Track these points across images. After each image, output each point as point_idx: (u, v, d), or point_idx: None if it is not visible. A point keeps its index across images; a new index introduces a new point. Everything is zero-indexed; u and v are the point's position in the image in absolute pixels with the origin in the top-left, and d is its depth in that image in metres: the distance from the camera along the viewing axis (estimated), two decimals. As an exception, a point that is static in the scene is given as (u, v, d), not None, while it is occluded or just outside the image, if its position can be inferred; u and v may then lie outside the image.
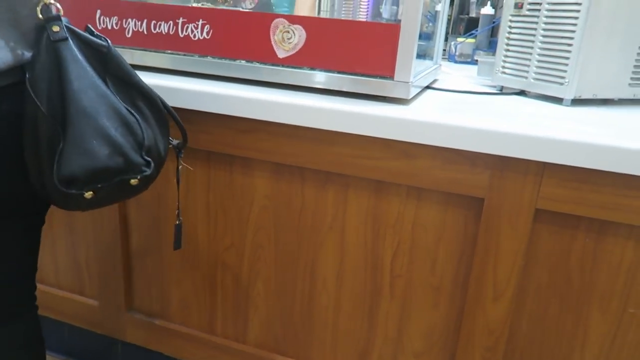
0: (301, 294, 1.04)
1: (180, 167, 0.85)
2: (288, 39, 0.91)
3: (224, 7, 1.19)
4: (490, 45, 1.74)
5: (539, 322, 0.88)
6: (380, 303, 0.98)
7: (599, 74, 0.97)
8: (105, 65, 0.69)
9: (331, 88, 0.90)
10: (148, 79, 0.94)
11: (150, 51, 1.01)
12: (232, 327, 1.12)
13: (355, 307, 1.00)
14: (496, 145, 0.77)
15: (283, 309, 1.06)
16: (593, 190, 0.77)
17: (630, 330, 0.83)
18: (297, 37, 0.90)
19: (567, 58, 0.95)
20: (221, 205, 1.03)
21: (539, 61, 1.02)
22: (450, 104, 0.92)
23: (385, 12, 1.31)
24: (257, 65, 0.94)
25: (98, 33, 0.70)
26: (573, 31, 0.94)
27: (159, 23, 0.99)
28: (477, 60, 1.46)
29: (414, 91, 0.89)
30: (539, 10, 1.00)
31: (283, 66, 0.93)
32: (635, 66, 0.99)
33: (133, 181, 0.69)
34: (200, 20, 0.96)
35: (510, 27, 1.08)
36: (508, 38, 1.08)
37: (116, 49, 0.71)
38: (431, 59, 1.22)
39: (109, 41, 0.70)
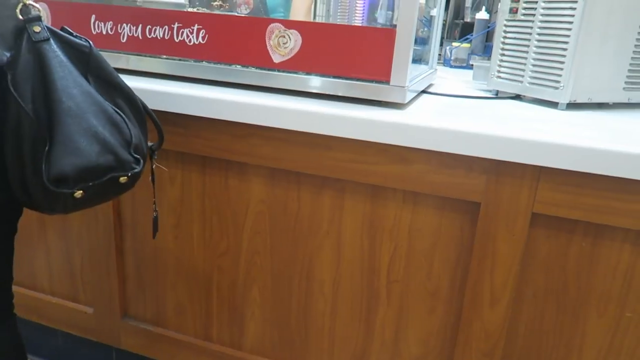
0: (297, 300, 1.03)
1: (154, 166, 0.85)
2: (284, 44, 0.91)
3: (220, 12, 1.19)
4: (485, 50, 1.74)
5: (536, 327, 0.88)
6: (376, 308, 0.98)
7: (594, 78, 0.98)
8: (87, 66, 0.69)
9: (327, 93, 0.90)
10: (143, 84, 0.94)
11: (146, 56, 1.01)
12: (228, 334, 1.12)
13: (351, 312, 1.00)
14: (492, 149, 0.77)
15: (279, 314, 1.05)
16: (589, 194, 0.77)
17: (627, 334, 0.83)
18: (293, 41, 0.90)
19: (562, 62, 0.96)
20: (216, 211, 1.03)
21: (534, 65, 1.02)
22: (446, 108, 0.92)
23: (381, 17, 1.31)
24: (253, 70, 0.94)
25: (77, 34, 0.70)
26: (568, 36, 0.94)
27: (154, 28, 0.98)
28: (472, 65, 1.47)
29: (409, 95, 0.89)
30: (533, 15, 1.01)
31: (279, 71, 0.92)
32: (629, 70, 1.00)
33: (122, 179, 0.69)
34: (196, 25, 0.95)
35: (505, 31, 1.08)
36: (503, 43, 1.09)
37: (98, 49, 0.71)
38: (427, 63, 1.22)
39: (90, 42, 0.70)
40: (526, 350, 0.90)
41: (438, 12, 1.20)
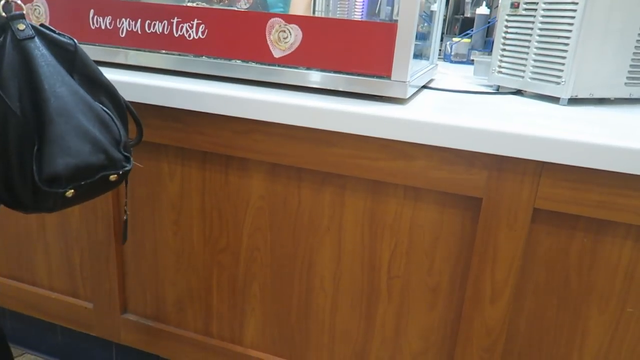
0: (298, 295, 1.03)
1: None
2: (284, 39, 0.90)
3: (219, 7, 1.18)
4: (486, 45, 1.74)
5: (537, 322, 0.88)
6: (377, 304, 0.97)
7: (596, 74, 0.97)
8: (72, 64, 0.68)
9: (328, 88, 0.90)
10: (142, 79, 0.93)
11: (145, 51, 1.00)
12: (228, 329, 1.12)
13: (352, 308, 1.00)
14: (494, 144, 0.77)
15: (279, 310, 1.05)
16: (591, 189, 0.76)
17: (628, 330, 0.83)
18: (294, 36, 0.89)
19: (564, 57, 0.95)
20: (217, 206, 1.02)
21: (535, 60, 1.02)
22: (447, 104, 0.91)
23: (381, 12, 1.31)
24: (253, 65, 0.93)
25: (60, 32, 0.69)
26: (569, 30, 0.94)
27: (153, 23, 0.98)
28: (472, 60, 1.46)
29: (411, 91, 0.88)
30: (535, 9, 1.00)
31: (279, 66, 0.92)
32: (631, 65, 0.99)
33: (113, 177, 0.69)
34: (195, 20, 0.95)
35: (506, 26, 1.07)
36: (504, 38, 1.08)
37: (81, 47, 0.70)
38: (427, 58, 1.22)
39: (75, 40, 0.69)
40: (527, 346, 0.90)
41: (438, 7, 1.20)
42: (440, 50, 1.71)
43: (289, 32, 0.89)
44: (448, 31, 1.93)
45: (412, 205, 0.89)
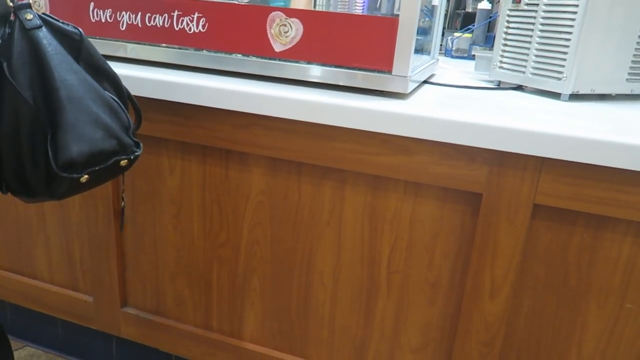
0: (297, 290, 1.03)
1: None
2: (285, 33, 0.90)
3: (220, 0, 1.18)
4: (487, 40, 1.73)
5: (536, 318, 0.88)
6: (377, 299, 0.98)
7: (597, 69, 0.97)
8: (78, 53, 0.69)
9: (328, 82, 0.90)
10: (143, 72, 0.93)
11: (145, 44, 1.00)
12: (228, 323, 1.12)
13: (352, 302, 1.00)
14: (494, 140, 0.77)
15: (279, 304, 1.06)
16: (591, 185, 0.76)
17: (627, 325, 0.83)
18: (294, 30, 0.89)
19: (565, 53, 0.95)
20: (217, 201, 1.02)
21: (536, 56, 1.01)
22: (448, 99, 0.91)
23: (382, 6, 1.30)
24: (254, 59, 0.93)
25: (64, 21, 0.69)
26: (571, 26, 0.94)
27: (153, 16, 0.97)
28: (473, 55, 1.46)
29: (412, 86, 0.88)
30: (537, 5, 1.00)
31: (280, 60, 0.92)
32: (633, 61, 0.99)
33: (123, 162, 0.71)
34: (196, 13, 0.94)
35: (508, 22, 1.07)
36: (506, 33, 1.08)
37: (87, 37, 0.71)
38: (428, 53, 1.21)
39: (80, 29, 0.70)
40: (526, 341, 0.90)
41: (440, 2, 1.19)
42: (441, 45, 1.71)
43: (290, 26, 0.89)
44: (449, 26, 1.93)
45: (413, 201, 0.89)
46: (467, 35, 1.74)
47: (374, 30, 0.84)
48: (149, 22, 0.98)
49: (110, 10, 1.00)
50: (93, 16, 1.01)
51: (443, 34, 1.67)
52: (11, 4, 0.64)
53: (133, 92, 0.88)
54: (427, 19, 1.22)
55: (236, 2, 1.07)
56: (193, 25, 0.95)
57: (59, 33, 0.67)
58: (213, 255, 1.07)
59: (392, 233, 0.92)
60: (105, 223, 1.12)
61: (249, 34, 0.92)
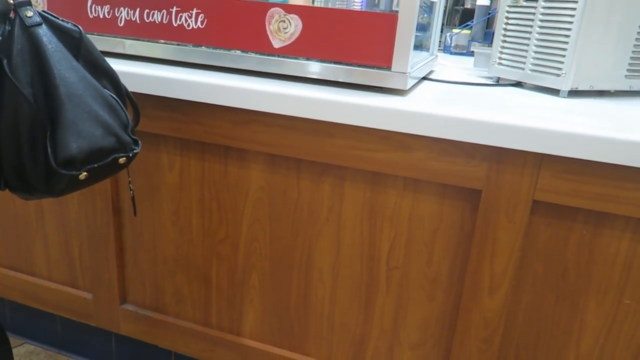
0: (297, 287, 1.03)
1: None
2: (284, 29, 0.90)
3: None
4: (486, 37, 1.73)
5: (535, 314, 0.88)
6: (376, 295, 0.98)
7: (596, 66, 0.97)
8: (78, 50, 0.70)
9: (327, 78, 0.89)
10: (141, 69, 0.93)
11: (143, 41, 1.00)
12: (227, 320, 1.12)
13: (351, 299, 1.00)
14: (494, 136, 0.77)
15: (278, 301, 1.06)
16: (590, 181, 0.76)
17: (625, 321, 0.83)
18: (294, 26, 0.89)
19: (564, 49, 0.95)
20: (216, 197, 1.02)
21: (535, 52, 1.01)
22: (447, 95, 0.91)
23: (381, 2, 1.30)
24: (253, 55, 0.93)
25: (63, 19, 0.70)
26: (570, 22, 0.93)
27: (152, 12, 0.97)
28: (472, 52, 1.46)
29: (411, 82, 0.88)
30: (536, 1, 1.00)
31: (279, 56, 0.91)
32: (631, 58, 0.99)
33: (122, 160, 0.71)
34: (195, 9, 0.94)
35: (507, 18, 1.07)
36: (505, 29, 1.08)
37: (86, 34, 0.71)
38: (427, 50, 1.21)
39: (80, 26, 0.70)
40: (525, 338, 0.90)
41: (439, -2, 1.19)
42: (440, 41, 1.70)
43: (289, 22, 0.89)
44: (448, 22, 1.92)
45: (412, 197, 0.89)
46: (466, 31, 1.74)
47: (374, 26, 0.84)
48: (147, 18, 0.98)
49: (108, 6, 1.00)
50: (91, 12, 1.01)
51: (442, 30, 1.67)
52: (12, 1, 0.64)
53: (131, 89, 0.88)
54: (426, 15, 1.21)
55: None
56: (192, 21, 0.95)
57: (58, 30, 0.68)
58: (212, 252, 1.07)
59: (391, 229, 0.92)
60: (104, 220, 1.12)
61: (248, 30, 0.92)
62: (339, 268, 0.98)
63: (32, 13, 0.65)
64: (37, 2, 1.03)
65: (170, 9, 0.95)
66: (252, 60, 0.93)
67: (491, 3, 1.71)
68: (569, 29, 0.94)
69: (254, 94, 0.87)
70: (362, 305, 1.00)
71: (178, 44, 0.97)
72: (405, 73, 0.84)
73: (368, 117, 0.82)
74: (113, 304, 1.19)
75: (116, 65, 0.94)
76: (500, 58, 1.10)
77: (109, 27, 1.01)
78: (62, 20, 0.69)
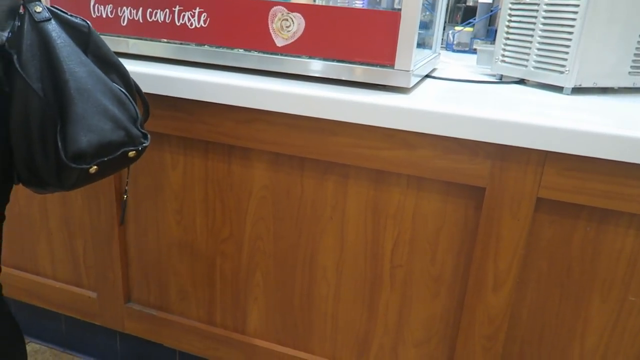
0: (300, 285, 1.03)
1: None
2: (287, 27, 0.90)
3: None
4: (488, 34, 1.73)
5: (539, 311, 0.89)
6: (380, 293, 0.98)
7: (600, 63, 0.97)
8: (86, 45, 0.70)
9: (331, 77, 0.89)
10: (144, 68, 0.93)
11: (146, 40, 1.00)
12: (232, 318, 1.12)
13: (355, 297, 1.00)
14: (497, 134, 0.77)
15: (282, 299, 1.06)
16: (594, 178, 0.76)
17: (630, 318, 0.83)
18: (296, 25, 0.89)
19: (568, 47, 0.95)
20: (220, 196, 1.02)
21: (539, 49, 1.01)
22: (450, 93, 0.91)
23: (383, 0, 1.30)
24: (255, 54, 0.93)
25: (72, 14, 0.70)
26: (574, 19, 0.93)
27: (154, 11, 0.97)
28: (475, 49, 1.46)
29: (414, 80, 0.88)
30: (539, -2, 1.00)
31: (282, 55, 0.91)
32: (635, 54, 0.99)
33: (131, 153, 0.72)
34: (197, 8, 0.94)
35: (510, 15, 1.07)
36: (508, 27, 1.07)
37: (95, 29, 0.71)
38: (430, 48, 1.21)
39: (88, 22, 0.70)
40: (529, 335, 0.90)
41: (442, -5, 1.19)
42: (442, 39, 1.70)
43: (292, 20, 0.89)
44: (450, 20, 1.92)
45: (415, 195, 0.89)
46: (468, 29, 1.74)
47: (376, 24, 0.84)
48: (150, 18, 0.98)
49: (111, 5, 1.00)
50: (94, 12, 1.01)
51: (444, 28, 1.67)
52: None
53: (135, 88, 0.88)
54: (428, 12, 1.21)
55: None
56: (194, 20, 0.95)
57: (67, 25, 0.68)
58: (216, 251, 1.07)
59: (395, 227, 0.92)
60: (108, 219, 1.12)
61: (251, 29, 0.92)
62: (342, 266, 0.99)
63: (41, 8, 0.65)
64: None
65: (173, 8, 0.95)
66: (254, 59, 0.93)
67: (493, 1, 1.71)
68: (572, 26, 0.94)
69: (257, 92, 0.87)
70: (366, 303, 1.00)
71: (181, 43, 0.98)
72: (408, 71, 0.84)
73: (371, 115, 0.82)
74: (117, 302, 1.20)
75: (119, 64, 0.94)
76: (503, 55, 1.09)
77: (111, 26, 1.01)
78: (71, 15, 0.69)
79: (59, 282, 1.27)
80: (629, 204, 0.76)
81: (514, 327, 0.91)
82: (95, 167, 0.67)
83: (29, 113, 0.64)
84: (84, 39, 0.69)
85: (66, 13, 0.69)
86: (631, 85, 1.02)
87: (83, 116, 0.65)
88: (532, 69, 1.03)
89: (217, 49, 0.95)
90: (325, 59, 0.89)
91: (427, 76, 1.08)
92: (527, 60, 1.04)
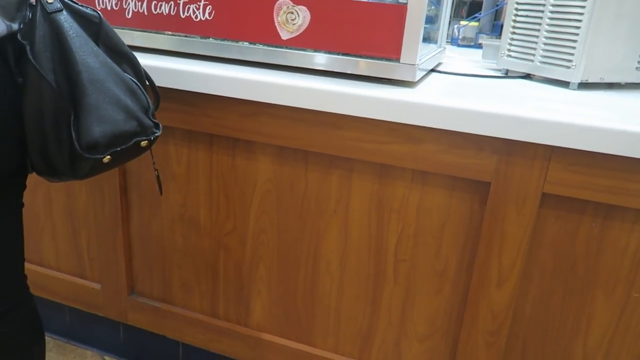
0: (304, 278, 1.03)
1: None
2: (292, 20, 0.89)
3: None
4: (494, 29, 1.72)
5: (543, 307, 0.88)
6: (383, 287, 0.98)
7: (607, 58, 0.96)
8: (98, 35, 0.70)
9: (336, 70, 0.89)
10: (149, 60, 0.93)
11: (151, 32, 1.00)
12: (235, 311, 1.12)
13: (358, 291, 1.00)
14: (503, 128, 0.76)
15: (286, 293, 1.06)
16: (601, 174, 0.76)
17: (634, 315, 0.83)
18: (302, 18, 0.88)
19: (575, 41, 0.94)
20: (224, 189, 1.02)
21: (545, 44, 1.00)
22: (455, 87, 0.91)
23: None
24: (260, 47, 0.93)
25: (83, 4, 0.70)
26: (581, 13, 0.93)
27: (159, 3, 0.97)
28: (480, 44, 1.45)
29: (420, 74, 0.87)
30: (546, -8, 0.99)
31: (287, 48, 0.91)
32: (643, 50, 0.98)
33: (144, 143, 0.73)
34: (202, 0, 0.94)
35: (516, 9, 1.06)
36: (514, 21, 1.07)
37: (106, 20, 0.71)
38: (435, 42, 1.20)
39: (99, 12, 0.70)
40: (532, 330, 0.90)
41: (448, -11, 1.18)
42: (447, 33, 1.69)
43: (297, 13, 0.88)
44: (455, 14, 1.91)
45: (420, 189, 0.89)
46: (474, 23, 1.73)
47: (382, 17, 0.84)
48: (155, 10, 0.97)
49: (116, -3, 0.99)
50: (99, 4, 1.01)
51: (449, 23, 1.66)
52: None
53: (140, 80, 0.88)
54: (434, 7, 1.20)
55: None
56: (199, 12, 0.95)
57: (78, 16, 0.68)
58: (220, 244, 1.07)
59: (399, 222, 0.92)
60: (112, 211, 1.13)
61: (256, 21, 0.91)
62: (346, 260, 0.99)
63: None
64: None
65: (178, 1, 0.95)
66: (259, 52, 0.93)
67: (499, -5, 1.70)
68: (579, 20, 0.93)
69: (262, 85, 0.86)
70: (369, 298, 1.00)
71: (185, 36, 0.97)
72: (414, 65, 0.84)
73: (376, 108, 0.81)
74: (121, 294, 1.20)
75: (124, 56, 0.94)
76: (509, 50, 1.09)
77: (116, 18, 1.01)
78: (81, 6, 0.69)
79: (63, 274, 1.27)
80: (635, 200, 0.76)
81: (517, 322, 0.91)
82: (109, 157, 0.68)
83: (42, 104, 0.64)
84: (95, 29, 0.70)
85: (77, 3, 0.69)
86: (638, 81, 1.02)
87: (96, 107, 0.65)
88: (539, 64, 1.02)
89: (222, 42, 0.95)
90: (330, 52, 0.89)
91: (433, 70, 1.08)
92: (533, 55, 1.03)
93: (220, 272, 1.10)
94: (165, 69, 0.91)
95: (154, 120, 0.74)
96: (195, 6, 0.95)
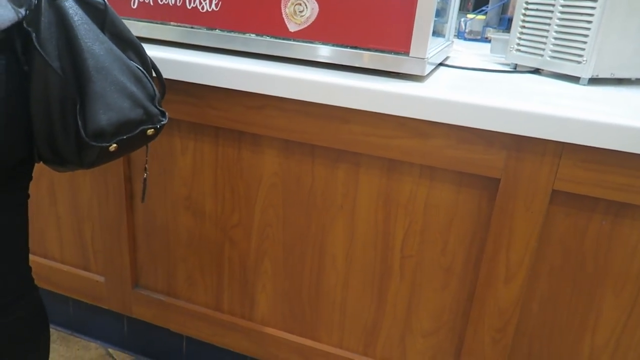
0: (309, 273, 1.03)
1: None
2: (300, 12, 0.88)
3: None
4: (501, 23, 1.71)
5: (550, 305, 0.88)
6: (389, 283, 0.97)
7: (618, 53, 0.95)
8: (103, 22, 0.69)
9: (344, 63, 0.88)
10: (154, 52, 0.92)
11: (157, 23, 0.98)
12: (239, 305, 1.12)
13: (364, 286, 1.00)
14: (513, 124, 0.75)
15: (291, 287, 1.06)
16: (612, 171, 0.75)
17: (643, 314, 0.83)
18: (310, 10, 0.87)
19: (586, 36, 0.93)
20: (229, 182, 1.02)
21: (556, 39, 0.99)
22: (464, 82, 0.90)
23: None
24: (268, 39, 0.92)
25: None
26: (593, 7, 0.91)
27: (165, -6, 0.96)
28: (487, 38, 1.44)
29: (429, 68, 0.86)
30: (558, -15, 0.97)
31: (294, 40, 0.90)
32: (654, 45, 0.97)
33: (150, 131, 0.72)
34: (209, -9, 0.93)
35: (526, 3, 1.05)
36: (524, 15, 1.05)
37: (111, 6, 0.70)
38: (443, 36, 1.19)
39: None
40: (539, 328, 0.90)
41: (456, -18, 1.17)
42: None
43: (305, 5, 0.87)
44: (462, 8, 1.89)
45: (428, 185, 0.88)
46: (481, 17, 1.71)
47: (392, 10, 0.82)
48: (161, 1, 0.96)
49: (121, -13, 0.98)
50: (104, -6, 1.00)
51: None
52: None
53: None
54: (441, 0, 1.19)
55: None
56: (206, 3, 0.94)
57: (83, 3, 0.67)
58: (225, 237, 1.07)
59: (406, 217, 0.91)
60: (117, 203, 1.12)
61: (263, 13, 0.90)
62: (352, 255, 0.98)
63: None
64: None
65: (185, -9, 0.94)
66: (266, 44, 0.92)
67: (507, -12, 1.68)
68: (591, 15, 0.92)
69: (268, 78, 0.85)
70: (374, 293, 0.99)
71: (191, 27, 0.96)
72: (423, 59, 0.83)
73: (384, 103, 0.80)
74: (125, 287, 1.20)
75: (130, 48, 0.93)
76: (518, 44, 1.08)
77: (121, 9, 0.99)
78: None
79: (67, 266, 1.27)
80: (646, 198, 0.75)
81: (524, 319, 0.90)
82: (115, 145, 0.67)
83: (48, 92, 0.64)
84: (101, 16, 0.69)
85: None
86: (649, 77, 1.01)
87: (102, 94, 0.65)
88: (548, 59, 1.01)
89: (228, 34, 0.94)
90: (338, 45, 0.88)
91: (441, 64, 1.07)
92: (543, 49, 1.02)
93: (225, 266, 1.10)
94: (170, 60, 0.90)
95: (160, 108, 0.74)
96: (202, -3, 0.94)
